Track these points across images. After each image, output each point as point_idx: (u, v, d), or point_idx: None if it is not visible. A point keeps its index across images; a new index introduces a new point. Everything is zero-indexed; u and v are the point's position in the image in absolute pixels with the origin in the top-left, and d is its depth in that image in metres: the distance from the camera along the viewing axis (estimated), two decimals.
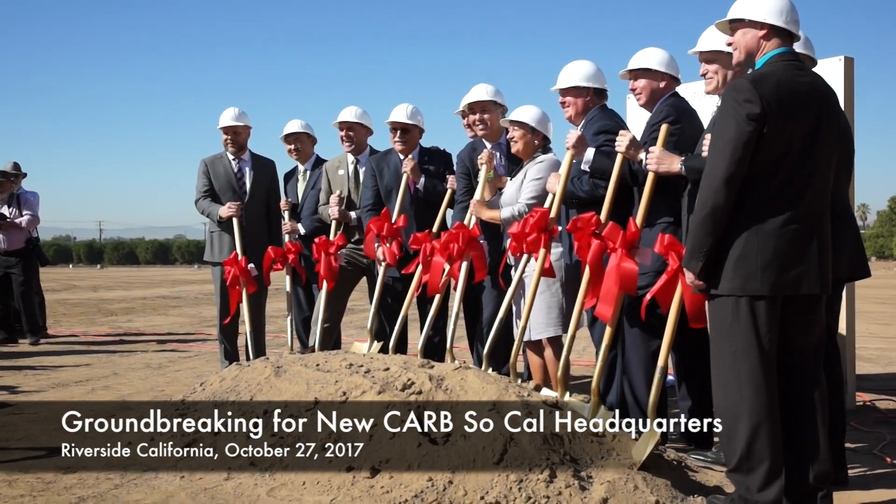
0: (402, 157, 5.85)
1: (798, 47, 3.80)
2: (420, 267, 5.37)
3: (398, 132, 5.84)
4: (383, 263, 5.66)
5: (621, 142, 4.13)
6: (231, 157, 6.64)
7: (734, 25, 3.44)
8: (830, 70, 5.20)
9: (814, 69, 3.73)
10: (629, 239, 3.91)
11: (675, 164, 3.89)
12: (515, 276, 4.72)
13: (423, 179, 5.78)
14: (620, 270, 3.88)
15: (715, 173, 3.19)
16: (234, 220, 6.36)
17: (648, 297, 3.82)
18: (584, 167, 4.46)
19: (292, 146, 6.75)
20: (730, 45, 3.50)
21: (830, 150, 3.28)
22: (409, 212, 5.72)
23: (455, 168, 5.70)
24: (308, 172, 6.73)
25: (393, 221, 5.63)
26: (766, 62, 3.33)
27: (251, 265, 6.23)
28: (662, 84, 4.47)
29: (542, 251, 4.45)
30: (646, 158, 3.98)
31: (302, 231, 6.51)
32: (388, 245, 5.58)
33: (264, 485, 3.74)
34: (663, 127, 4.02)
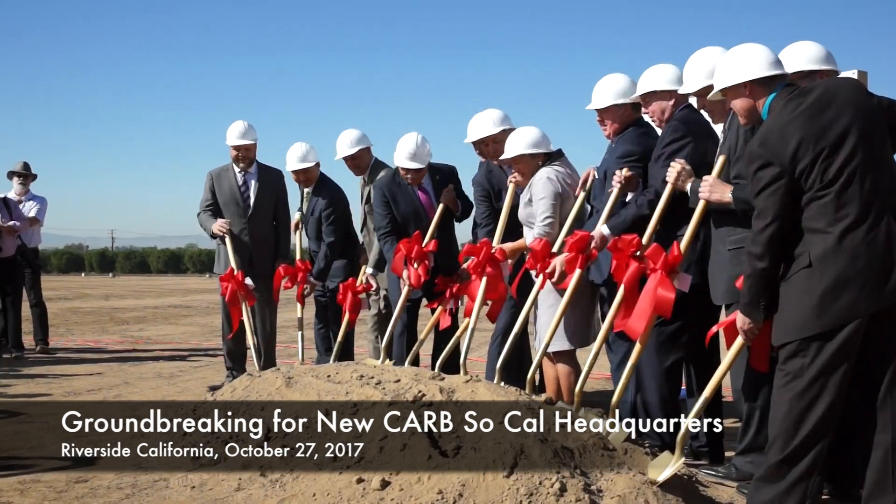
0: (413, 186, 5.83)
1: (819, 65, 3.79)
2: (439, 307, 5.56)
3: (409, 172, 5.77)
4: (407, 285, 5.64)
5: (671, 172, 4.11)
6: (238, 170, 6.68)
7: (725, 93, 3.47)
8: None
9: (837, 70, 3.76)
10: (671, 262, 3.88)
11: (726, 194, 3.85)
12: (533, 292, 4.73)
13: (459, 205, 5.86)
14: (658, 295, 3.86)
15: (758, 242, 3.15)
16: (227, 238, 6.45)
17: (714, 329, 3.78)
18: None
19: (301, 178, 6.55)
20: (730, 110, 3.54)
21: (869, 144, 3.10)
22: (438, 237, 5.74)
23: (473, 193, 5.66)
24: (309, 193, 6.64)
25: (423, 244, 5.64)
26: (767, 111, 3.31)
27: (248, 279, 6.28)
28: (672, 101, 4.43)
29: (577, 271, 4.44)
30: (700, 187, 3.93)
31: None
32: (414, 267, 5.58)
33: (274, 496, 3.74)
34: (721, 158, 4.00)
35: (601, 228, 4.41)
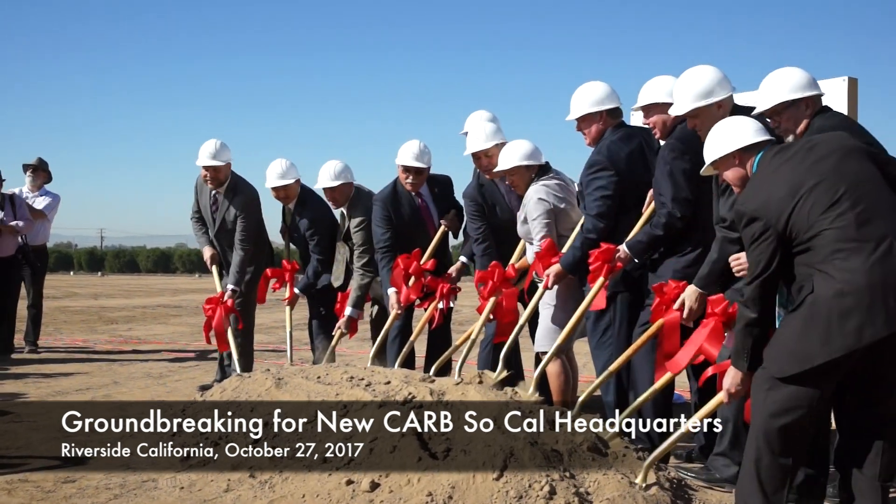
0: (413, 195, 5.83)
1: (802, 91, 3.66)
2: (436, 300, 5.56)
3: (411, 174, 5.77)
4: (395, 308, 5.63)
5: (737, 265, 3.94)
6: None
7: (717, 166, 3.53)
8: (834, 90, 5.22)
9: (820, 94, 3.74)
10: (731, 314, 3.79)
11: None
12: (536, 295, 4.84)
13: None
14: (706, 345, 3.83)
15: (748, 291, 3.18)
16: (213, 268, 6.67)
17: (710, 372, 3.75)
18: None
19: (281, 195, 6.38)
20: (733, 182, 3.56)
21: (855, 175, 3.11)
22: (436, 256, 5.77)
23: (465, 207, 5.64)
24: (291, 210, 6.47)
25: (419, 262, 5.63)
26: (756, 169, 3.37)
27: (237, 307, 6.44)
28: (673, 114, 4.43)
29: (600, 279, 4.48)
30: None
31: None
32: (408, 286, 5.57)
33: (264, 497, 3.74)
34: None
35: (623, 247, 4.45)
